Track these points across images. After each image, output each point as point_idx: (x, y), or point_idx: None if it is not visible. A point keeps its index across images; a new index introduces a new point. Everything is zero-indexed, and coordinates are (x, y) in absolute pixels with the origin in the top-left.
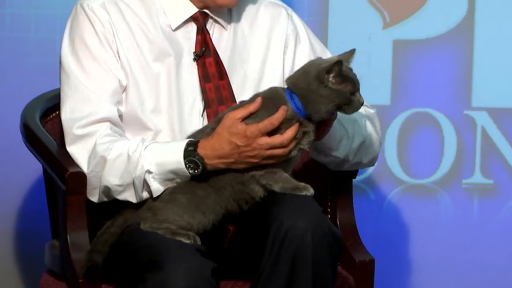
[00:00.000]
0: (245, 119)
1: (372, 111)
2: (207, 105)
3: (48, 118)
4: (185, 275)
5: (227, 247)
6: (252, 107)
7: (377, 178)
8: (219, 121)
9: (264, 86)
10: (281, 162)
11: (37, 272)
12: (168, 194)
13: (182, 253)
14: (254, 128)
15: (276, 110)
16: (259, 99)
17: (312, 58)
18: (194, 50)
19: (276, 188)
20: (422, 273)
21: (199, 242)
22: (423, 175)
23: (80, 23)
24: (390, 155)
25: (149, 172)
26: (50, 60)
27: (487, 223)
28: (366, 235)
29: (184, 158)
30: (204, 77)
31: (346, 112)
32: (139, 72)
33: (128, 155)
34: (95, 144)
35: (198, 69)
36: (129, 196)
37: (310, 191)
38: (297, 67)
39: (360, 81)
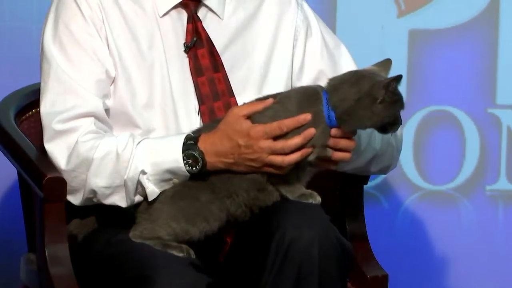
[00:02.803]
0: (251, 117)
1: None
2: (201, 101)
3: (24, 117)
4: None
5: (224, 261)
6: (260, 105)
7: (391, 184)
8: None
9: (269, 84)
10: (283, 173)
11: None
12: (167, 198)
13: (175, 268)
14: (259, 128)
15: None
16: (270, 99)
17: (325, 54)
18: (184, 41)
19: (284, 192)
20: None
21: (193, 256)
22: (442, 181)
23: (65, 5)
24: (406, 159)
25: (144, 172)
26: (27, 51)
27: None
28: (378, 247)
29: (183, 151)
30: (196, 71)
31: (385, 132)
32: (131, 61)
33: (117, 153)
34: (76, 142)
35: (189, 62)
36: (118, 199)
37: (317, 198)
38: (308, 63)
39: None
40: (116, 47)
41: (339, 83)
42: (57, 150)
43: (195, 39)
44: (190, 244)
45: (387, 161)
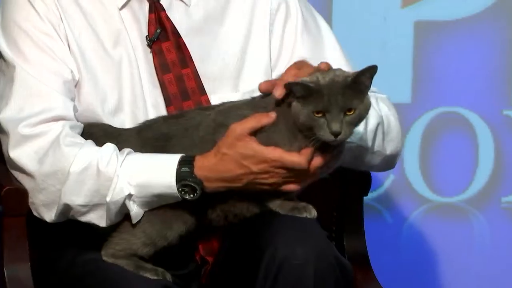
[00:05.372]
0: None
1: (383, 95)
2: (168, 102)
3: None
4: None
5: (208, 281)
6: (265, 120)
7: (395, 196)
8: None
9: (246, 78)
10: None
11: None
12: None
13: None
14: (277, 154)
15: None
16: (273, 114)
17: (306, 38)
18: (147, 34)
19: (272, 207)
20: None
21: (169, 279)
22: (452, 192)
23: (16, 4)
24: (411, 166)
25: (130, 195)
26: None
27: None
28: (380, 267)
29: (177, 181)
30: (161, 67)
31: (318, 138)
32: (96, 62)
33: (98, 170)
34: (51, 145)
35: (153, 58)
36: (96, 218)
37: (312, 212)
38: (286, 49)
39: None
40: (78, 47)
41: None
42: (25, 155)
43: (158, 31)
44: (167, 266)
45: (397, 138)
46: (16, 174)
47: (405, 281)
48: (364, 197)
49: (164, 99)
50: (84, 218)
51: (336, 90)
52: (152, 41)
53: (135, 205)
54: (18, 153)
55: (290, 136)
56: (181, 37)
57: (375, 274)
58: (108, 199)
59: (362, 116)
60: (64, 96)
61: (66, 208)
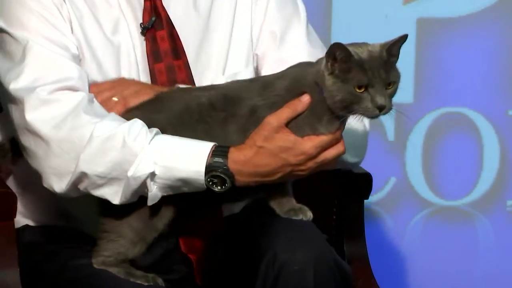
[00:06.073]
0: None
1: None
2: None
3: None
4: None
5: (202, 284)
6: (300, 107)
7: (396, 199)
8: (228, 100)
9: (230, 64)
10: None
11: None
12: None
13: None
14: (316, 143)
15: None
16: (307, 97)
17: (277, 15)
18: (141, 21)
19: (272, 205)
20: None
21: (160, 283)
22: (456, 195)
23: None
24: (413, 169)
25: (153, 175)
26: None
27: None
28: (382, 272)
29: (207, 171)
30: (154, 55)
31: (359, 114)
32: (98, 44)
33: (124, 142)
34: (69, 114)
35: (146, 45)
36: (110, 193)
37: (307, 214)
38: (266, 32)
39: None
40: (81, 28)
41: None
42: (41, 119)
43: (153, 18)
44: (156, 272)
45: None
46: (29, 139)
47: (406, 286)
48: (365, 200)
49: None
50: (97, 192)
51: (377, 63)
52: (146, 29)
53: (155, 187)
54: (35, 116)
55: (315, 120)
56: (175, 29)
57: (376, 280)
58: (129, 174)
59: (397, 88)
60: (79, 68)
61: (81, 178)
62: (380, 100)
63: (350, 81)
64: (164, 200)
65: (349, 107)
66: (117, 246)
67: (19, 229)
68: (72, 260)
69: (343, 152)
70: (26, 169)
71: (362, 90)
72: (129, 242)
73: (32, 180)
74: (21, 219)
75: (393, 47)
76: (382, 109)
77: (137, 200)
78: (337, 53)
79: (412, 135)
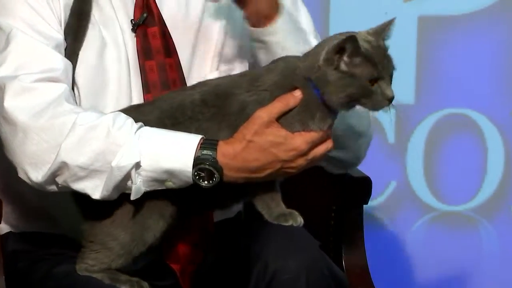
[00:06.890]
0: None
1: None
2: (146, 89)
3: None
4: None
5: None
6: (292, 101)
7: (397, 204)
8: (221, 95)
9: (223, 63)
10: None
11: None
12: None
13: None
14: (307, 138)
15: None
16: (299, 92)
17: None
18: (132, 18)
19: (261, 210)
20: None
21: (146, 287)
22: (459, 200)
23: None
24: (415, 172)
25: (138, 166)
26: None
27: None
28: (382, 280)
29: (196, 164)
30: (144, 52)
31: (367, 108)
32: (88, 40)
33: (109, 132)
34: (51, 104)
35: (136, 42)
36: (91, 187)
37: (298, 220)
38: None
39: None
40: None
41: (311, 51)
42: (20, 108)
43: (145, 15)
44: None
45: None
46: (5, 128)
47: None
48: (364, 206)
49: (143, 86)
50: (77, 185)
51: (381, 55)
52: (137, 25)
53: (140, 180)
54: (15, 104)
55: (307, 117)
56: (166, 27)
57: None
58: (114, 163)
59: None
60: (64, 60)
61: (61, 169)
62: (390, 91)
63: (360, 75)
64: (152, 211)
65: (356, 102)
66: (102, 257)
67: (2, 236)
68: (56, 267)
69: (332, 148)
70: (7, 174)
71: (371, 82)
72: (114, 254)
73: (13, 185)
74: (3, 226)
75: (387, 32)
76: (391, 100)
77: (123, 211)
78: (347, 47)
79: (413, 137)
